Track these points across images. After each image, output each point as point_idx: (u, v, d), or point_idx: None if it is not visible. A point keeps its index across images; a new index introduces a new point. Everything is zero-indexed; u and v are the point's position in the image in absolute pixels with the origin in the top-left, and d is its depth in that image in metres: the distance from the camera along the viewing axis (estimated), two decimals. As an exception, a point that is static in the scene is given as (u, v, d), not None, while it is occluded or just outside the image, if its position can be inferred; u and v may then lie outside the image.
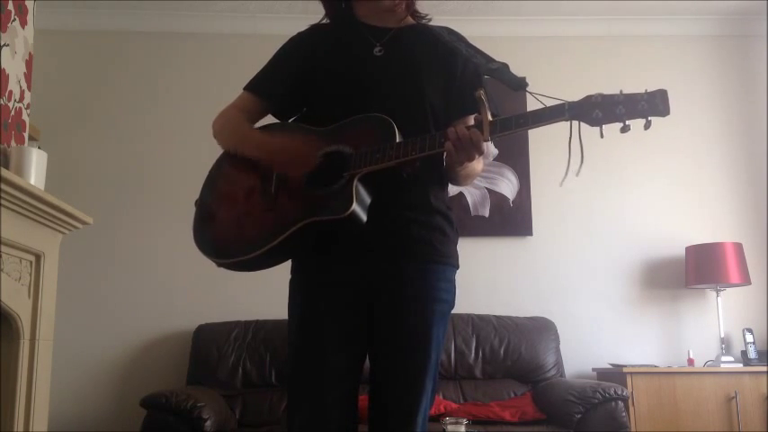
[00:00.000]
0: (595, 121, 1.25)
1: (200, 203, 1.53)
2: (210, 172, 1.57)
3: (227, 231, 1.46)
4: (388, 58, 1.53)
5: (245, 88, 1.63)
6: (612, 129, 1.26)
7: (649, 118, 1.22)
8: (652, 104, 1.22)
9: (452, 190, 1.64)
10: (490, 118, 1.31)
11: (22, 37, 2.69)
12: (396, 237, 1.45)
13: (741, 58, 4.17)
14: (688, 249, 3.78)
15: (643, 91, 1.24)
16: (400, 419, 1.41)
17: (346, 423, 1.43)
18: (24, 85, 2.73)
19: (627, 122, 1.24)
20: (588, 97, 1.27)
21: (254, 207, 1.44)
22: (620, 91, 1.25)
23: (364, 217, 1.36)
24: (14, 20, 2.62)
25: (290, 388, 1.48)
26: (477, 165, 1.51)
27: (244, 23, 4.07)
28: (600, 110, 1.25)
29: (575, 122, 1.27)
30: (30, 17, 2.75)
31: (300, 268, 1.53)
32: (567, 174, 1.28)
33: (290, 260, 1.53)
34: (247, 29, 4.06)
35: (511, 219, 3.93)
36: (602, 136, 1.25)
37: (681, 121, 3.94)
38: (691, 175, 4.02)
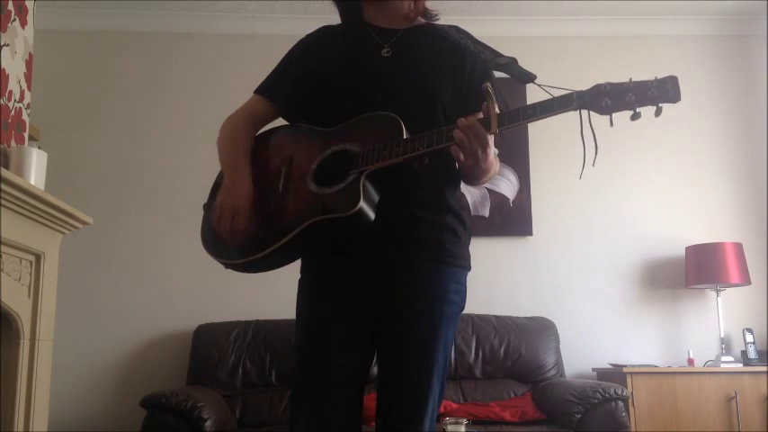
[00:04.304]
0: (605, 110, 1.23)
1: (208, 206, 1.52)
2: (219, 174, 1.56)
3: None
4: (395, 59, 1.52)
5: (255, 91, 1.62)
6: (622, 117, 1.24)
7: (660, 105, 1.20)
8: (663, 91, 1.20)
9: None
10: (497, 111, 1.28)
11: (22, 37, 2.69)
12: (405, 236, 1.44)
13: (741, 58, 4.17)
14: (688, 249, 3.78)
15: (653, 78, 1.22)
16: (407, 420, 1.40)
17: (349, 425, 1.42)
18: (24, 85, 2.73)
19: (637, 110, 1.21)
20: (597, 86, 1.25)
21: (262, 207, 1.44)
22: (630, 78, 1.23)
23: (372, 215, 1.34)
24: (14, 20, 2.62)
25: (294, 388, 1.47)
26: (496, 162, 1.46)
27: (244, 24, 4.06)
28: (609, 98, 1.23)
29: (584, 112, 1.24)
30: (30, 17, 2.75)
31: (309, 268, 1.52)
32: (584, 165, 1.25)
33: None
34: (247, 29, 4.06)
35: (511, 219, 3.93)
36: (611, 124, 1.23)
37: (681, 120, 3.94)
38: (691, 175, 4.02)
